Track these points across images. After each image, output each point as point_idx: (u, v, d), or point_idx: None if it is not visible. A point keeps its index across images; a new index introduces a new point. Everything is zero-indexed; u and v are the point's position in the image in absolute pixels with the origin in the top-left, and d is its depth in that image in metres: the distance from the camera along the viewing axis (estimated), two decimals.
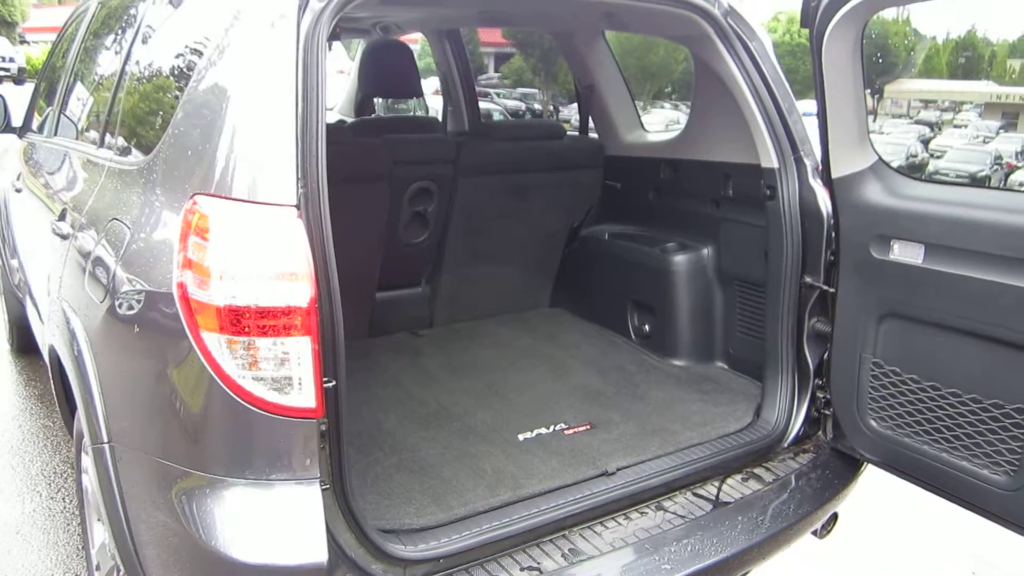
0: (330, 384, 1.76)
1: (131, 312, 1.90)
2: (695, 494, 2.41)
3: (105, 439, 2.00)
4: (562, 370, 3.08)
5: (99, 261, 2.15)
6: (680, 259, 3.18)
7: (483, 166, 3.22)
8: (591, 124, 3.73)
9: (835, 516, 2.64)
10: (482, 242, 3.39)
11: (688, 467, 2.45)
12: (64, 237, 2.52)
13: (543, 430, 2.61)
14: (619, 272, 3.44)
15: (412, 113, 6.57)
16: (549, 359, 3.17)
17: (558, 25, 3.63)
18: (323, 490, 1.78)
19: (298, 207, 1.73)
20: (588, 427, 2.65)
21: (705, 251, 3.17)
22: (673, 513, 2.31)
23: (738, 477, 2.52)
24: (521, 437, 2.55)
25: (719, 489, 2.44)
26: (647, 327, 3.34)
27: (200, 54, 2.07)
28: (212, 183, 1.77)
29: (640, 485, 2.35)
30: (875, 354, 2.39)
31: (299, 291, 1.65)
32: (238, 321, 1.64)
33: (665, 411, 2.78)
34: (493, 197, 3.29)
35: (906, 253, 2.27)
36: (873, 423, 2.44)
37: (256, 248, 1.68)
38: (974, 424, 2.17)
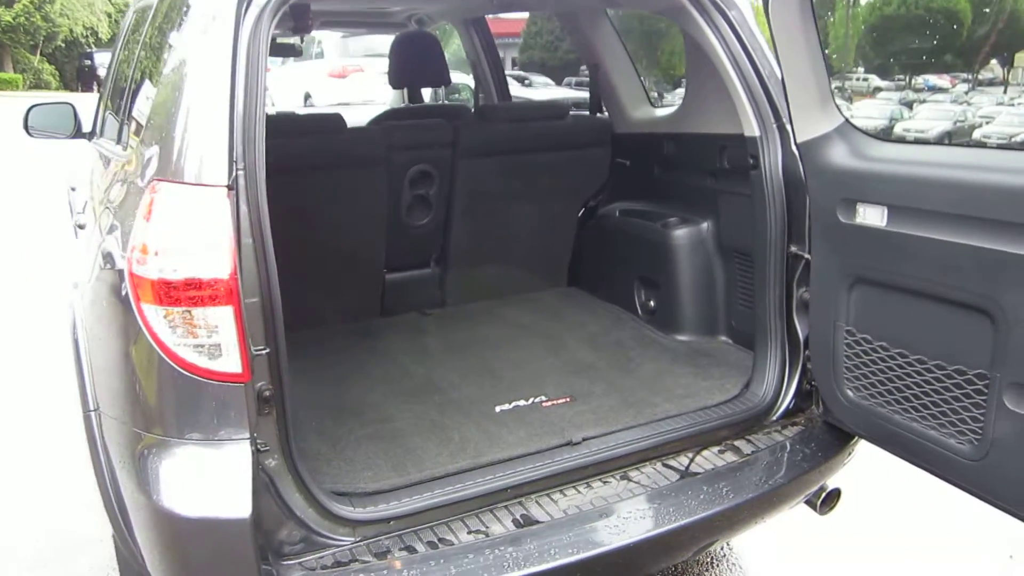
0: (263, 351, 1.88)
1: (103, 290, 2.09)
2: (665, 464, 2.41)
3: (92, 407, 2.20)
4: (559, 347, 3.12)
5: (91, 247, 2.36)
6: (680, 233, 3.15)
7: (483, 148, 3.29)
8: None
9: (837, 492, 2.58)
10: (489, 223, 3.46)
11: (659, 438, 2.45)
12: (81, 227, 2.76)
13: (521, 402, 2.66)
14: (626, 249, 3.44)
15: (468, 101, 6.69)
16: (549, 337, 3.21)
17: (560, 6, 3.66)
18: (262, 450, 1.91)
19: (230, 187, 1.85)
20: (567, 400, 2.68)
21: (704, 225, 3.13)
22: (636, 483, 2.33)
23: (715, 449, 2.50)
24: (498, 409, 2.62)
25: (691, 460, 2.44)
26: (652, 303, 3.33)
27: (169, 53, 2.24)
28: (167, 169, 1.92)
29: (605, 455, 2.37)
30: (848, 322, 2.32)
31: (220, 264, 1.77)
32: (169, 293, 1.78)
33: (651, 384, 2.78)
34: (496, 178, 3.35)
35: (870, 216, 2.20)
36: (849, 393, 2.38)
37: (184, 225, 1.82)
38: (939, 392, 2.09)
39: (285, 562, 1.98)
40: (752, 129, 2.63)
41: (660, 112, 3.42)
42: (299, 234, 3.07)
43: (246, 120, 1.92)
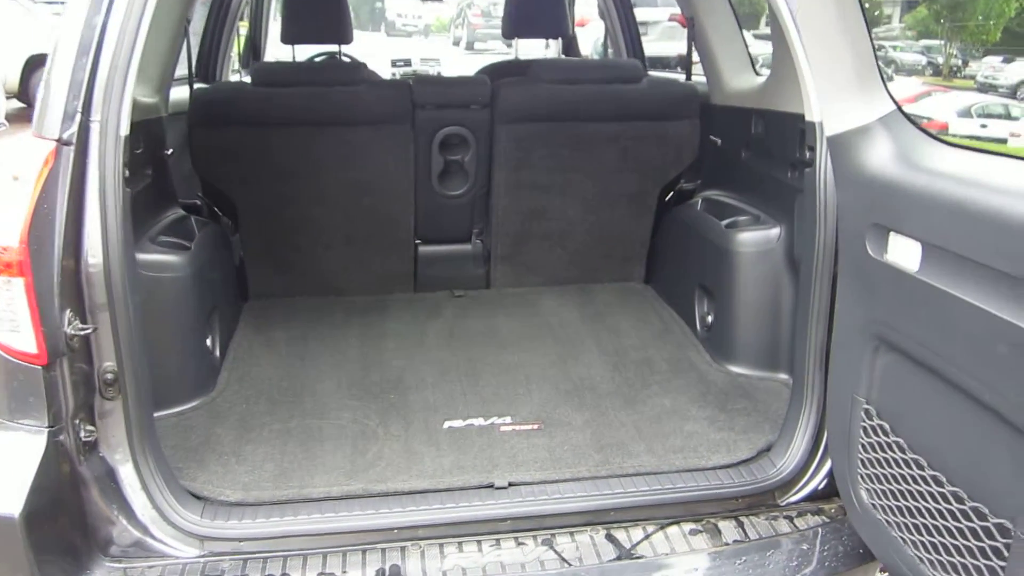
0: (84, 330, 1.65)
1: None
2: (609, 536, 1.89)
3: None
4: (574, 355, 2.61)
5: None
6: (743, 238, 2.49)
7: (527, 112, 2.80)
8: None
9: None
10: (540, 200, 2.97)
11: (610, 499, 1.94)
12: None
13: (479, 421, 2.23)
14: (691, 248, 2.81)
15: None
16: (571, 341, 2.70)
17: None
18: (87, 440, 1.70)
19: (64, 142, 1.62)
20: (534, 427, 2.21)
21: (776, 230, 2.44)
22: (558, 553, 1.84)
23: (688, 527, 1.93)
24: (447, 425, 2.22)
25: (646, 537, 1.89)
26: (710, 319, 2.70)
27: None
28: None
29: (529, 509, 1.92)
30: (868, 398, 1.63)
31: (9, 229, 1.55)
32: None
33: (648, 425, 2.22)
34: (546, 148, 2.86)
35: (901, 254, 1.49)
36: (863, 494, 1.69)
37: None
38: (951, 533, 1.38)
39: (108, 563, 1.77)
40: (812, 111, 1.95)
41: (759, 81, 2.70)
42: (311, 193, 2.83)
43: (112, 68, 1.67)
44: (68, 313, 1.63)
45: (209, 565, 1.78)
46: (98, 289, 1.69)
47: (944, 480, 1.39)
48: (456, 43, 24.95)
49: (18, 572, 1.60)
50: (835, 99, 1.60)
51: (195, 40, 3.53)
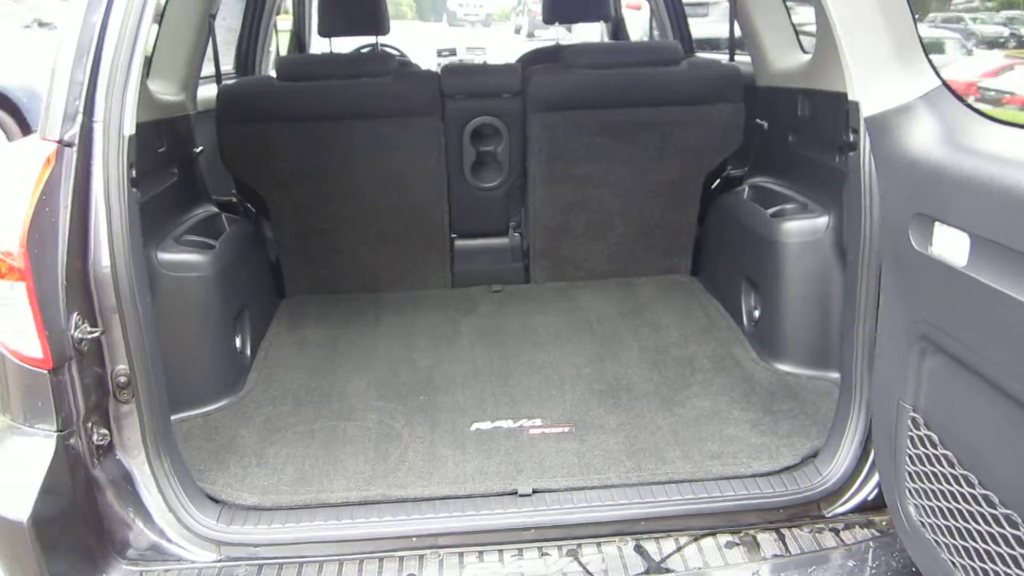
0: (93, 334, 1.63)
1: None
2: (638, 548, 1.79)
3: None
4: (612, 353, 2.50)
5: None
6: (790, 227, 2.34)
7: (560, 99, 2.69)
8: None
9: None
10: (578, 190, 2.86)
11: (642, 508, 1.84)
12: None
13: (507, 423, 2.15)
14: (737, 238, 2.66)
15: None
16: (610, 338, 2.59)
17: None
18: (99, 444, 1.68)
19: (65, 144, 1.60)
20: (565, 430, 2.12)
21: (824, 219, 2.28)
22: (582, 566, 1.75)
23: (724, 539, 1.81)
24: (474, 427, 2.14)
25: (677, 550, 1.78)
26: (756, 313, 2.55)
27: None
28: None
29: (554, 518, 1.83)
30: (915, 405, 1.49)
31: (9, 234, 1.53)
32: None
33: (686, 428, 2.10)
34: (581, 137, 2.75)
35: (947, 247, 1.34)
36: (912, 510, 1.54)
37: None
38: (1007, 561, 1.24)
39: (125, 566, 1.75)
40: (855, 89, 1.79)
41: (805, 59, 2.53)
42: (342, 188, 2.79)
43: (113, 67, 1.64)
44: (76, 316, 1.61)
45: (224, 570, 1.75)
46: (107, 291, 1.66)
47: (996, 501, 1.25)
48: (517, 31, 24.85)
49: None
50: (873, 75, 1.45)
51: (232, 36, 3.53)
